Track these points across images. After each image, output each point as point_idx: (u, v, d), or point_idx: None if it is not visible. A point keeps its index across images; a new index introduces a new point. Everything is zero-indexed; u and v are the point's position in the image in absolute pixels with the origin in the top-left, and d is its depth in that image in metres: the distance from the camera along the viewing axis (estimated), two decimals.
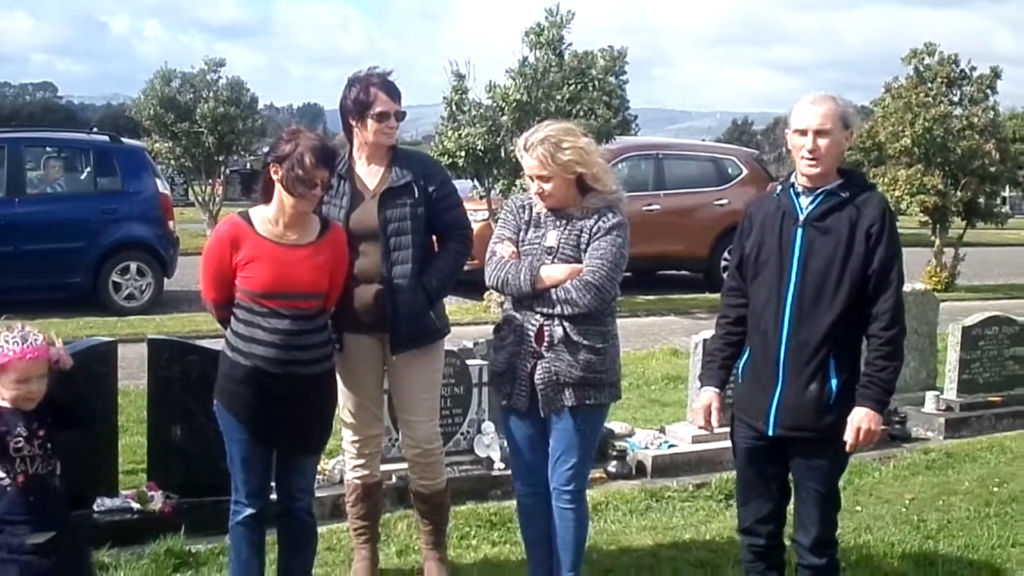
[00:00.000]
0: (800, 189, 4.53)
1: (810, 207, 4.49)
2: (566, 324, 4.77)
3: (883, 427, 4.54)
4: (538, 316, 4.82)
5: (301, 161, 4.47)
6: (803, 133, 4.42)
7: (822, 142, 4.41)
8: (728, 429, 4.92)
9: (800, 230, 4.48)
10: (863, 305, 4.44)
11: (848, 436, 4.43)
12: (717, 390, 4.78)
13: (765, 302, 4.55)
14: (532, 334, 4.83)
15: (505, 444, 5.93)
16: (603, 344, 4.85)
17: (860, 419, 4.41)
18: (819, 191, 4.48)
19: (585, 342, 4.79)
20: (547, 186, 4.80)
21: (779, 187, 4.67)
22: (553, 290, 4.76)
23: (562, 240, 4.83)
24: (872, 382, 4.44)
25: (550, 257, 4.83)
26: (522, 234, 4.95)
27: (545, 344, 4.81)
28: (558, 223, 4.87)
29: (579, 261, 4.79)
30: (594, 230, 4.79)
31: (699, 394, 4.89)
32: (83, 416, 4.53)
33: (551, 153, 4.73)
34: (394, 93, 5.16)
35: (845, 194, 4.47)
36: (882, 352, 4.43)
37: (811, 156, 4.42)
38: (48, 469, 4.30)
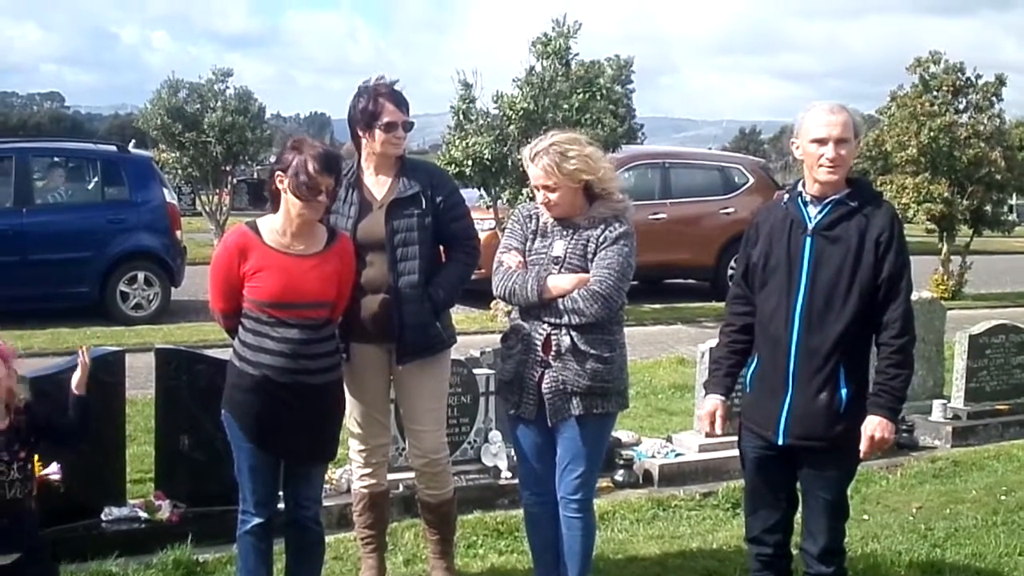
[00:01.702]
0: (808, 198, 4.54)
1: (819, 216, 4.50)
2: (573, 333, 4.78)
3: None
4: (545, 325, 4.82)
5: (305, 168, 4.49)
6: (823, 142, 4.42)
7: (843, 151, 4.42)
8: (735, 437, 4.92)
9: (809, 239, 4.48)
10: (872, 314, 4.45)
11: (862, 444, 4.43)
12: (722, 397, 4.78)
13: (774, 311, 4.55)
14: (539, 343, 4.83)
15: (512, 453, 5.93)
16: (610, 353, 4.85)
17: (873, 427, 4.42)
18: (828, 200, 4.49)
19: (592, 351, 4.79)
20: (553, 196, 4.80)
21: (786, 196, 4.68)
22: (560, 300, 4.76)
23: (569, 250, 4.84)
24: (884, 390, 4.44)
25: (557, 267, 4.84)
26: (529, 244, 4.96)
27: (552, 353, 4.81)
28: (565, 233, 4.88)
29: (586, 270, 4.79)
30: (601, 239, 4.80)
31: (704, 401, 4.90)
32: (64, 426, 4.52)
33: (557, 163, 4.74)
34: (402, 104, 5.16)
35: (854, 203, 4.47)
36: (893, 360, 4.44)
37: (832, 164, 4.42)
38: (25, 492, 4.32)
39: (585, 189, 4.85)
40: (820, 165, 4.44)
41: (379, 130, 5.11)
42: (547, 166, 4.75)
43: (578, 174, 4.77)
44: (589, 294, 4.73)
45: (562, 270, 4.83)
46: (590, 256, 4.81)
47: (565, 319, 4.77)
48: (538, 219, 4.96)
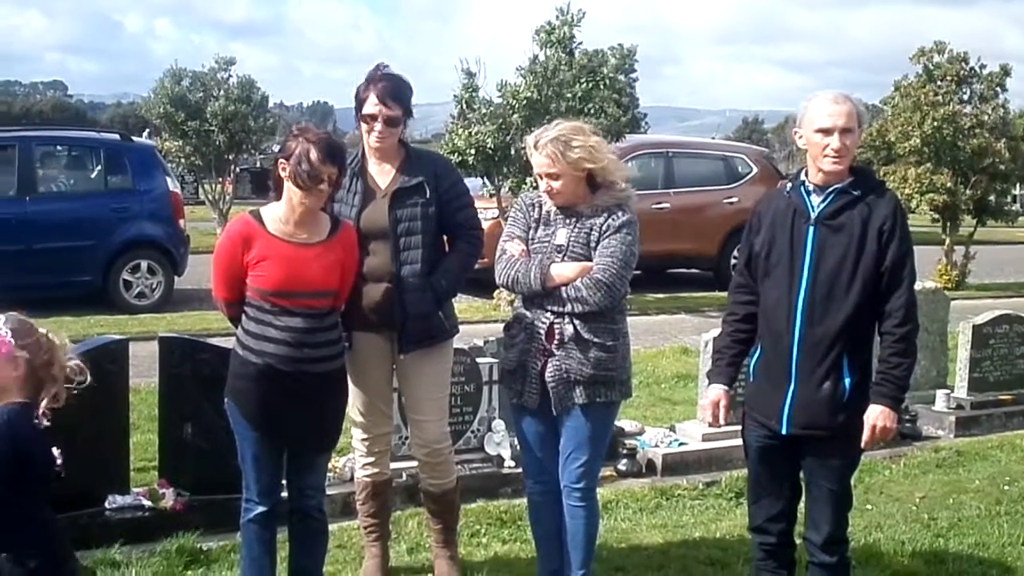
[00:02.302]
0: (811, 187, 4.53)
1: (822, 205, 4.49)
2: (576, 322, 4.78)
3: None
4: (548, 314, 4.82)
5: (307, 156, 4.48)
6: (828, 132, 4.40)
7: (848, 140, 4.41)
8: (738, 427, 4.92)
9: (812, 228, 4.47)
10: (875, 303, 4.44)
11: (864, 434, 4.43)
12: (725, 387, 4.78)
13: (777, 300, 4.55)
14: (543, 332, 4.83)
15: (515, 442, 5.94)
16: (613, 342, 4.85)
17: (876, 416, 4.42)
18: (831, 189, 4.48)
19: (596, 340, 4.79)
20: (556, 184, 4.80)
21: (789, 185, 4.67)
22: (563, 288, 4.76)
23: (572, 238, 4.83)
24: (887, 379, 4.44)
25: (560, 255, 4.83)
26: (532, 232, 4.96)
27: (556, 342, 4.81)
28: (568, 221, 4.87)
29: (589, 259, 4.79)
30: (604, 228, 4.80)
31: (707, 390, 4.90)
32: None
33: (561, 151, 4.73)
34: (390, 97, 5.06)
35: (857, 192, 4.46)
36: (896, 349, 4.43)
37: (836, 155, 4.41)
38: None
39: (588, 178, 4.85)
40: (825, 155, 4.42)
41: (361, 120, 5.11)
42: (551, 154, 4.74)
43: (582, 163, 4.77)
44: (592, 282, 4.73)
45: (565, 258, 4.82)
46: (593, 245, 4.81)
47: (568, 308, 4.76)
48: (541, 207, 4.96)
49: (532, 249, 4.91)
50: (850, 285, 4.41)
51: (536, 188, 5.02)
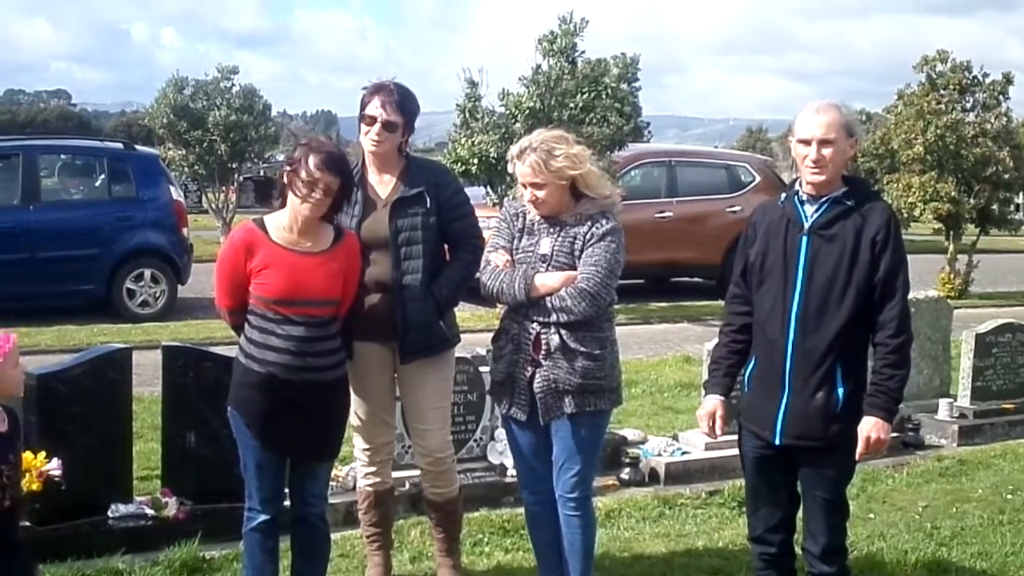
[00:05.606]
0: (805, 197, 4.53)
1: (815, 215, 4.49)
2: (563, 332, 4.77)
3: (894, 435, 4.54)
4: (535, 324, 4.82)
5: (305, 164, 4.49)
6: (807, 143, 4.40)
7: (826, 151, 4.38)
8: (734, 437, 4.93)
9: (805, 238, 4.47)
10: (869, 313, 4.43)
11: (858, 445, 4.43)
12: (721, 398, 4.77)
13: (770, 310, 4.54)
14: (529, 343, 4.83)
15: None
16: (601, 350, 4.85)
17: (869, 428, 4.41)
18: (824, 199, 4.47)
19: (583, 349, 4.79)
20: (540, 193, 4.80)
21: (783, 195, 4.67)
22: (548, 298, 4.75)
23: (556, 247, 4.83)
24: (880, 391, 4.43)
25: (544, 265, 4.83)
26: (516, 242, 4.96)
27: (543, 352, 4.80)
28: (551, 230, 4.87)
29: (573, 268, 4.79)
30: (588, 236, 4.80)
31: (703, 401, 4.90)
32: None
33: (544, 160, 4.73)
34: (393, 105, 5.07)
35: (850, 202, 4.46)
36: (889, 360, 4.42)
37: (815, 166, 4.41)
38: (12, 498, 4.14)
39: (572, 187, 4.85)
40: (805, 166, 4.43)
41: (362, 122, 5.12)
42: (534, 164, 4.75)
43: (565, 171, 4.77)
44: (577, 292, 4.73)
45: (549, 268, 4.82)
46: (577, 253, 4.81)
47: (553, 317, 4.76)
48: (525, 217, 4.96)
49: (516, 259, 4.91)
50: (843, 295, 4.40)
51: (516, 198, 5.04)
